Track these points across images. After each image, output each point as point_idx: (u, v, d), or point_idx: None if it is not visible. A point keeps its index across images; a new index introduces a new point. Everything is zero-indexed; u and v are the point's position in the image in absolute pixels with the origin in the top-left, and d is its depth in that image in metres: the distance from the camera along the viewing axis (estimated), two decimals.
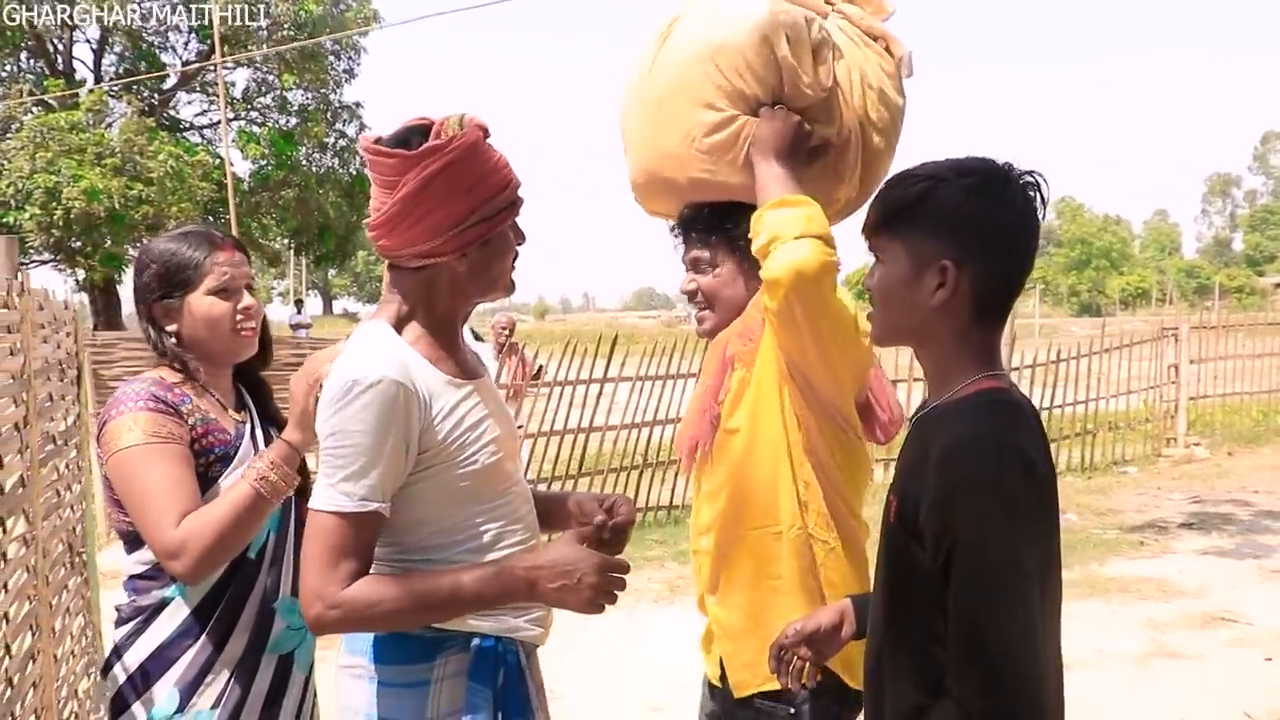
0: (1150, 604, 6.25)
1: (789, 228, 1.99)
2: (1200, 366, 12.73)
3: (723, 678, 2.30)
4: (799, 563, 2.18)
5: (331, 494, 1.68)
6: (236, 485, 2.01)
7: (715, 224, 2.34)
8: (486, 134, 1.79)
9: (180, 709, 2.04)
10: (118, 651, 2.10)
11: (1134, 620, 5.92)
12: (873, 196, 1.61)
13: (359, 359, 1.72)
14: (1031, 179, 1.53)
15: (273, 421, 2.29)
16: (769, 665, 1.96)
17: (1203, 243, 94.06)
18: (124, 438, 1.98)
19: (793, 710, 2.16)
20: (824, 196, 2.24)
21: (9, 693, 2.41)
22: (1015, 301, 1.58)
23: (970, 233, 1.50)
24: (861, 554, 2.25)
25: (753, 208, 2.16)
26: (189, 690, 2.05)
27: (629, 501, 2.01)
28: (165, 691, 2.05)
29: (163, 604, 2.08)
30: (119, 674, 2.08)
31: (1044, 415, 11.03)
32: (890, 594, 1.57)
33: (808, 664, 1.95)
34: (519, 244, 1.88)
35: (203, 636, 2.07)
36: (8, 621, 2.46)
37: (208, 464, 2.07)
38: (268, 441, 2.20)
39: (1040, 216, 1.54)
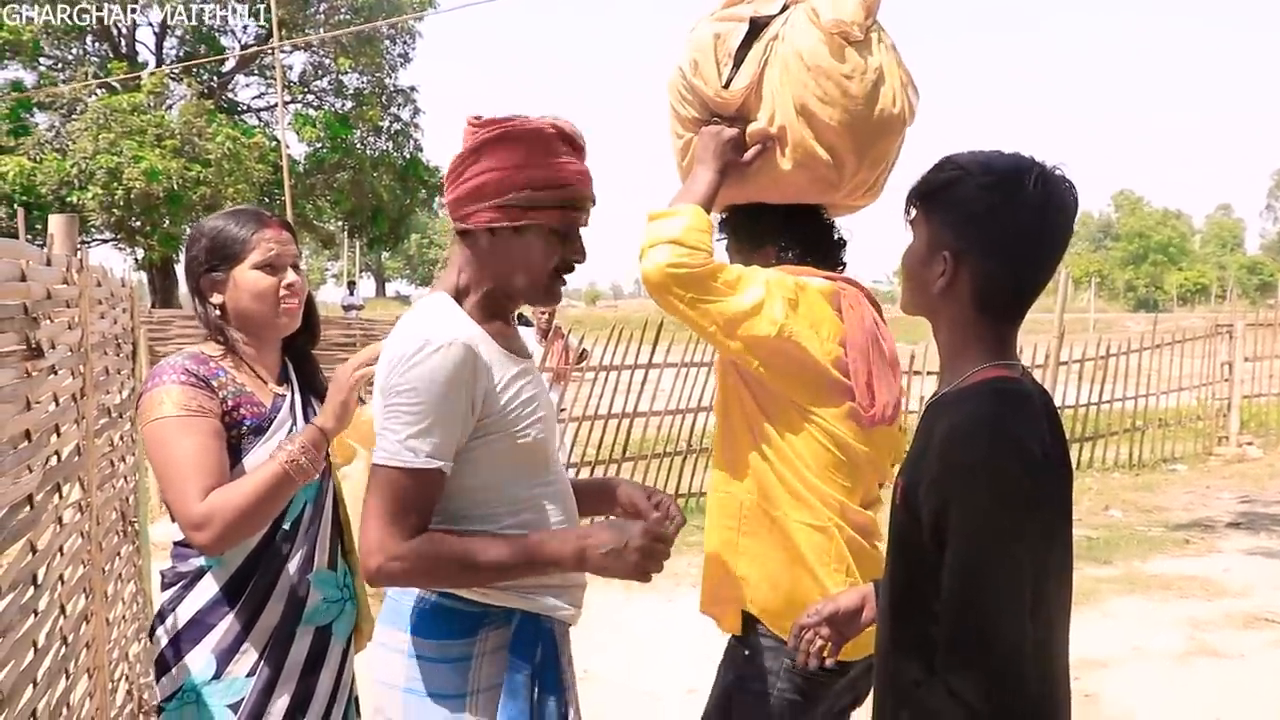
0: (1192, 602, 6.18)
1: (645, 238, 2.25)
2: (1256, 365, 12.50)
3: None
4: (724, 522, 2.38)
5: (398, 449, 1.74)
6: (266, 464, 2.05)
7: (731, 227, 2.59)
8: (563, 137, 1.85)
9: (216, 675, 2.09)
10: (161, 615, 2.16)
11: (1174, 618, 5.86)
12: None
13: (430, 322, 1.79)
14: (1059, 180, 1.52)
15: (318, 395, 2.31)
16: (790, 642, 2.02)
17: (1267, 239, 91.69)
18: (156, 409, 2.04)
19: (746, 653, 2.35)
20: (811, 181, 2.40)
21: (64, 650, 2.53)
22: (1033, 299, 1.58)
23: (974, 229, 1.53)
24: (840, 535, 2.28)
25: (743, 209, 2.52)
26: (225, 657, 2.10)
27: (680, 509, 2.08)
28: (203, 657, 2.10)
29: (201, 571, 2.13)
30: (161, 636, 2.14)
31: (1091, 411, 10.96)
32: (895, 574, 1.61)
33: (828, 644, 1.98)
34: (574, 259, 1.91)
35: (238, 605, 2.11)
36: (63, 583, 2.57)
37: (239, 436, 2.11)
38: (309, 414, 2.25)
39: (1068, 219, 1.54)
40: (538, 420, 1.88)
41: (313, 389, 2.33)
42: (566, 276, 1.93)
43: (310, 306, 2.34)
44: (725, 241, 2.57)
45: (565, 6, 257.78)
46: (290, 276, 2.21)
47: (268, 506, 2.04)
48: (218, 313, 2.19)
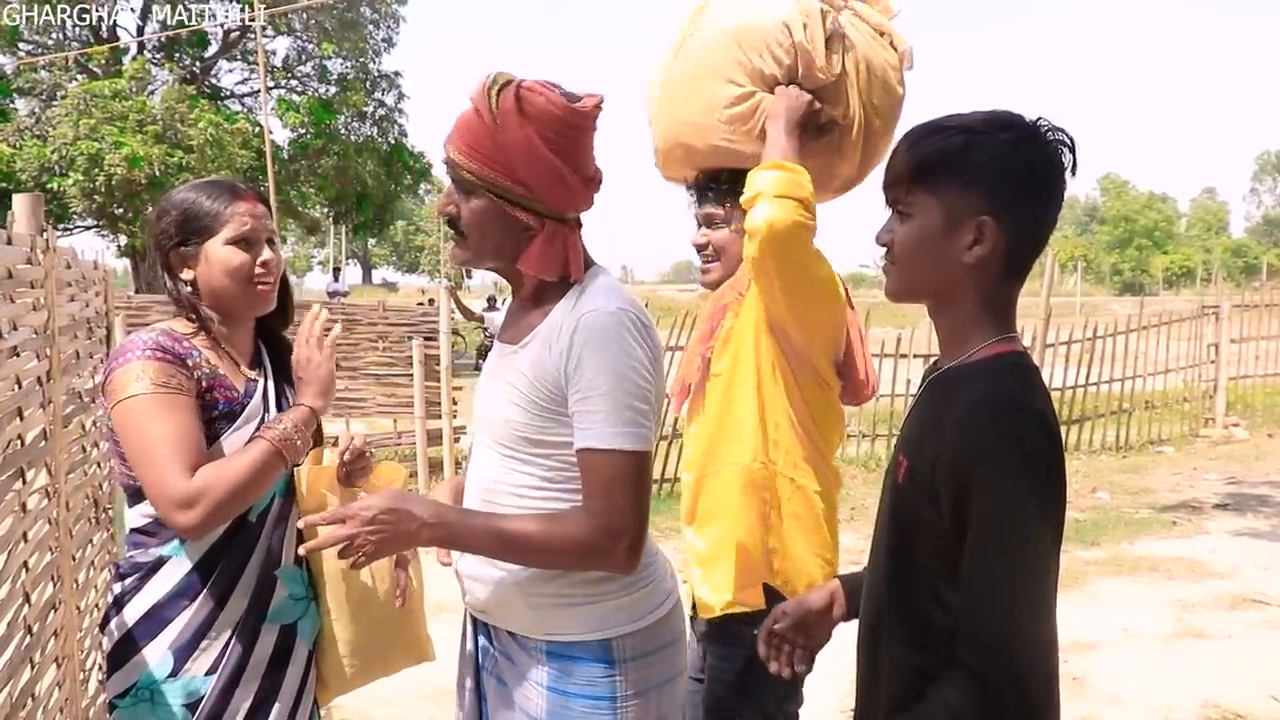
0: (1179, 584, 6.18)
1: (772, 187, 2.23)
2: (1242, 346, 12.51)
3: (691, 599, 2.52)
4: (760, 495, 2.40)
5: (643, 434, 1.78)
6: (255, 443, 1.95)
7: (731, 186, 2.52)
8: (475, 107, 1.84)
9: (173, 673, 1.96)
10: (116, 606, 2.01)
11: (1162, 600, 5.86)
12: (891, 156, 1.55)
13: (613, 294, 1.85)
14: (1061, 135, 1.49)
15: (290, 383, 2.20)
16: (759, 650, 1.90)
17: (1251, 222, 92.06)
18: (131, 386, 1.89)
19: (756, 632, 2.25)
20: (828, 171, 2.58)
21: (28, 639, 2.47)
22: (1037, 259, 1.54)
23: (1011, 187, 1.45)
24: (832, 499, 2.49)
25: None
26: (183, 654, 1.97)
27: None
28: (159, 653, 1.96)
29: (160, 562, 1.99)
30: (114, 630, 2.00)
31: (1078, 393, 10.96)
32: (894, 557, 1.54)
33: (798, 649, 1.88)
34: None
35: (199, 598, 1.98)
36: (27, 570, 2.51)
37: (210, 420, 1.98)
38: (282, 402, 2.15)
39: (1070, 176, 1.50)
40: None
41: (285, 375, 2.21)
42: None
43: (285, 286, 2.20)
44: (734, 200, 2.47)
45: None
46: (266, 253, 2.08)
47: (259, 485, 1.93)
48: (189, 289, 2.04)
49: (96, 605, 3.59)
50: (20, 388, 2.51)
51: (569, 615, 1.85)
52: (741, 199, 2.32)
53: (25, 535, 2.51)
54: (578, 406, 1.76)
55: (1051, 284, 11.08)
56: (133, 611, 1.98)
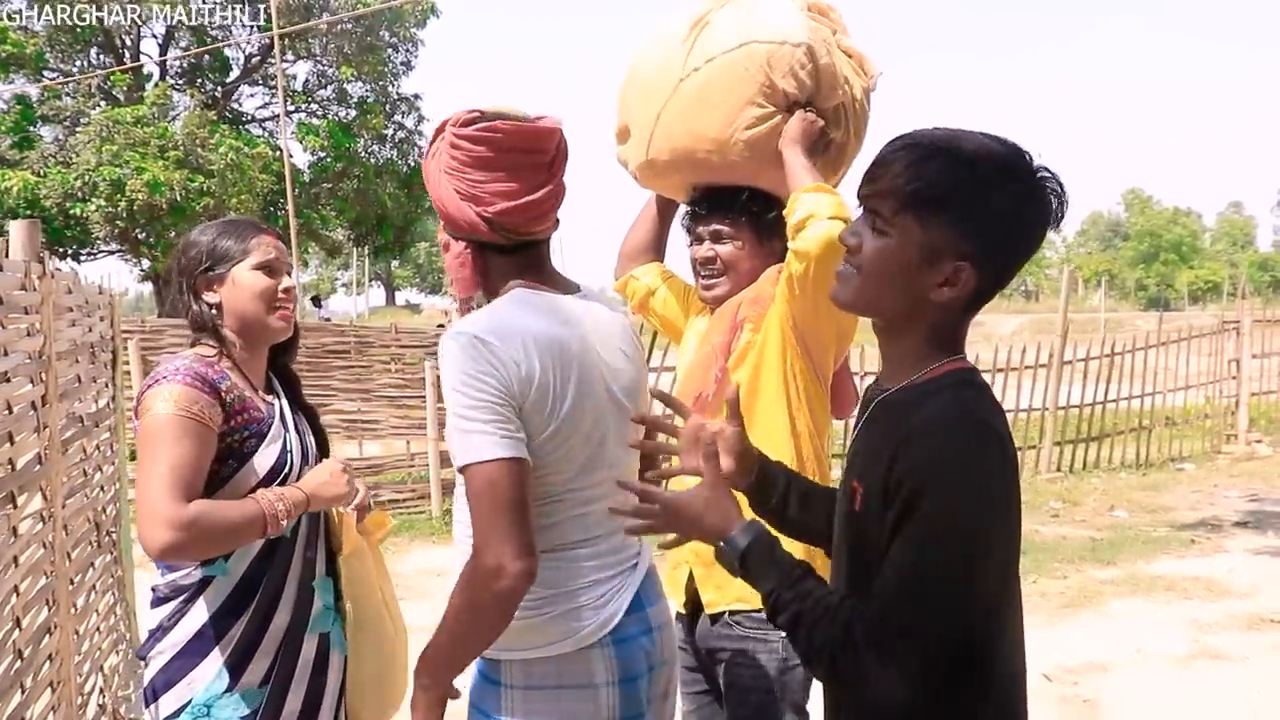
0: (1196, 604, 6.09)
1: (824, 209, 2.31)
2: (1264, 361, 12.38)
3: (691, 603, 2.54)
4: None
5: (485, 441, 1.72)
6: (251, 502, 2.04)
7: (744, 203, 2.62)
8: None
9: (229, 688, 2.06)
10: (162, 630, 2.10)
11: (1178, 620, 5.77)
12: (885, 162, 1.45)
13: None
14: (1056, 186, 1.43)
15: (302, 410, 2.35)
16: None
17: (1279, 236, 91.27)
18: (156, 406, 1.99)
19: (782, 636, 2.39)
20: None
21: (18, 664, 2.47)
22: None
23: (1002, 239, 1.42)
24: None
25: (769, 194, 2.57)
26: (237, 668, 2.07)
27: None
28: (213, 670, 2.06)
29: (205, 582, 2.09)
30: (162, 654, 2.09)
31: (1098, 410, 10.87)
32: (853, 586, 1.51)
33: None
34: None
35: (247, 614, 2.09)
36: (18, 595, 2.52)
37: (243, 440, 2.10)
38: (298, 426, 2.29)
39: (1055, 226, 1.46)
40: None
41: (296, 402, 2.34)
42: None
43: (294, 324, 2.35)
44: (747, 216, 2.59)
45: (568, 13, 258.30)
46: (287, 281, 2.24)
47: (237, 538, 2.03)
48: (213, 311, 2.18)
49: (98, 629, 3.61)
50: (11, 412, 2.53)
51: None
52: (790, 220, 2.36)
53: (16, 560, 2.52)
54: None
55: (1068, 301, 11.03)
56: (182, 632, 2.08)
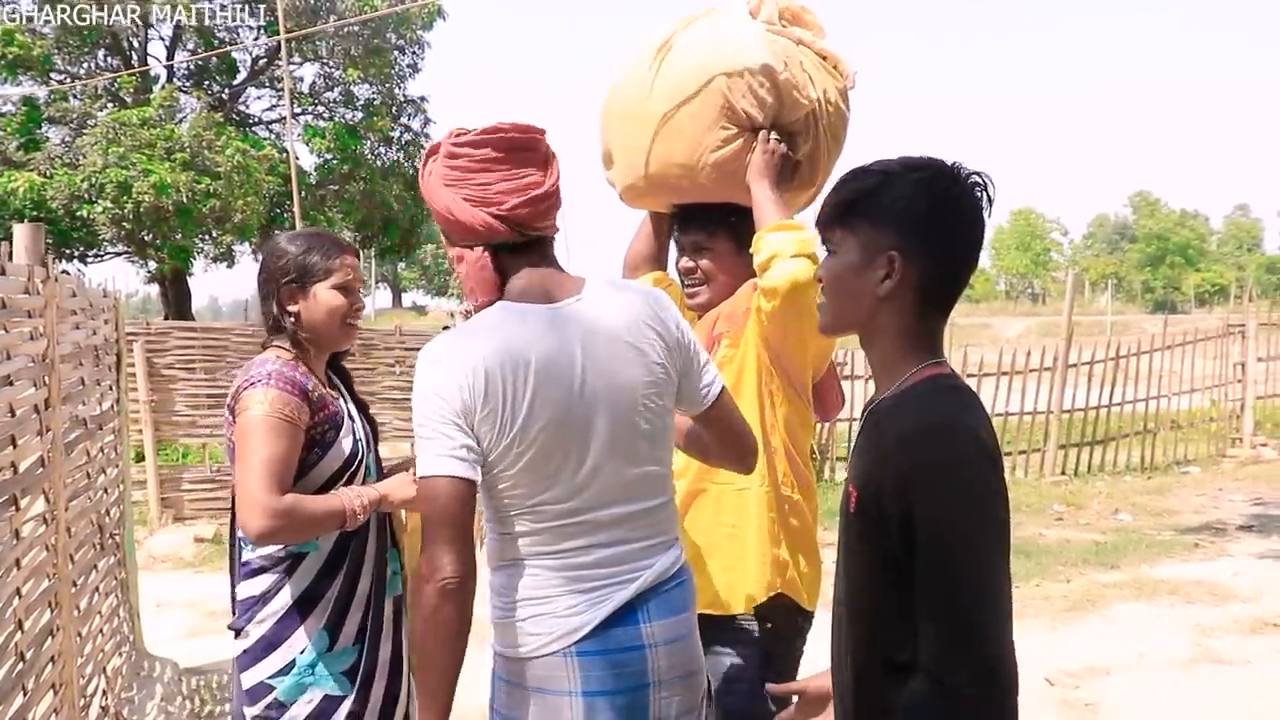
0: (1199, 607, 6.08)
1: (786, 248, 2.37)
2: (1270, 364, 12.35)
3: None
4: (763, 515, 2.48)
5: (437, 459, 1.79)
6: (336, 498, 2.29)
7: (721, 215, 2.66)
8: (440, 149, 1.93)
9: (329, 648, 2.32)
10: (263, 599, 2.32)
11: (1181, 624, 5.77)
12: (825, 200, 1.66)
13: None
14: (978, 179, 1.57)
15: (357, 404, 2.58)
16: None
17: None
18: (253, 407, 2.23)
19: (768, 626, 2.45)
20: (793, 204, 2.67)
21: (21, 666, 2.49)
22: (961, 293, 1.62)
23: (917, 224, 1.54)
24: (814, 498, 2.62)
25: (746, 206, 2.57)
26: (335, 629, 2.34)
27: None
28: (314, 632, 2.31)
29: (299, 556, 2.34)
30: (263, 621, 2.31)
31: (1102, 413, 10.85)
32: (855, 583, 1.60)
33: None
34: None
35: (339, 578, 2.36)
36: (20, 597, 2.53)
37: (324, 432, 2.35)
38: (358, 417, 2.53)
39: (986, 216, 1.59)
40: None
41: (353, 398, 2.59)
42: None
43: None
44: (724, 228, 2.63)
45: (576, 16, 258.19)
46: (359, 301, 2.49)
47: (320, 528, 2.27)
48: (292, 320, 2.40)
49: (101, 631, 3.62)
50: (15, 415, 2.54)
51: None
52: (756, 259, 2.42)
53: (19, 562, 2.53)
54: None
55: (1072, 304, 11.01)
56: (284, 599, 2.32)
